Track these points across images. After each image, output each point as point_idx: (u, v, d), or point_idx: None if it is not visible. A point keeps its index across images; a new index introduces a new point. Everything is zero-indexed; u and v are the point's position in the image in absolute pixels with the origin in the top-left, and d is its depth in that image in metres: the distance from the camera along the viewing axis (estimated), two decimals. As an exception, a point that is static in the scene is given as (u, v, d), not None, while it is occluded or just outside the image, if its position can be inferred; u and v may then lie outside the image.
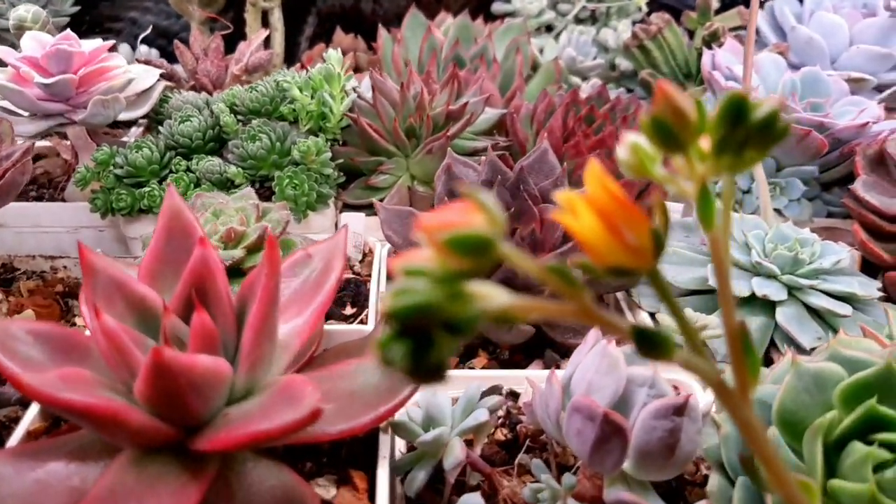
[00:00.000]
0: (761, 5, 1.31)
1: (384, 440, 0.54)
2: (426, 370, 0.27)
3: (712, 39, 1.03)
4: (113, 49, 1.38)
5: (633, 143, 0.32)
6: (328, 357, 0.60)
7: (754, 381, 0.34)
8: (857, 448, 0.48)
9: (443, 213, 0.28)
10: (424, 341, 0.27)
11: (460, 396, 0.56)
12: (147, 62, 1.07)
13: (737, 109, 0.29)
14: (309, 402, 0.42)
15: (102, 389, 0.47)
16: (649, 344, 0.30)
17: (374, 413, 0.49)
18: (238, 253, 0.69)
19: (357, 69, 1.30)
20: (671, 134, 0.30)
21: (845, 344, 0.55)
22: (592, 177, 0.30)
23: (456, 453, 0.51)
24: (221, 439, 0.43)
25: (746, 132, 0.29)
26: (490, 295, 0.29)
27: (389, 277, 0.80)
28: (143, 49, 1.35)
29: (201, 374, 0.45)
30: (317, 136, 0.89)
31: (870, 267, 0.84)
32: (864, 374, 0.50)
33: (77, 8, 1.29)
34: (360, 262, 0.87)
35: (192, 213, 0.54)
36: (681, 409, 0.47)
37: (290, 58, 1.45)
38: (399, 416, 0.56)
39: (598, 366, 0.50)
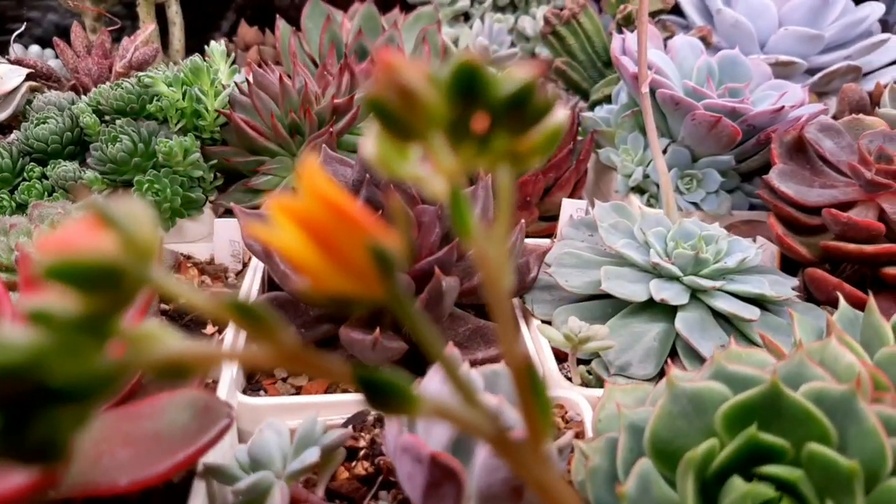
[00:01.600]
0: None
1: (198, 487, 0.46)
2: (27, 452, 0.19)
3: (626, 23, 0.96)
4: (5, 51, 1.29)
5: (376, 132, 0.25)
6: (153, 387, 0.52)
7: (547, 430, 0.27)
8: (736, 485, 0.42)
9: (68, 231, 0.21)
10: (20, 414, 0.19)
11: (296, 432, 0.48)
12: (17, 62, 0.98)
13: (467, 83, 0.21)
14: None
15: None
16: (380, 395, 0.23)
17: (170, 460, 0.41)
18: (71, 270, 0.61)
19: (263, 63, 1.22)
20: (398, 120, 0.23)
21: (734, 357, 0.49)
22: (306, 179, 0.23)
23: (275, 501, 0.43)
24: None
25: (492, 115, 0.22)
26: (151, 340, 0.22)
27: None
28: (34, 49, 1.26)
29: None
30: (189, 134, 0.81)
31: (790, 263, 0.77)
32: (747, 395, 0.43)
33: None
34: (238, 273, 0.80)
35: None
36: (525, 446, 0.40)
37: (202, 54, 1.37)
38: (224, 457, 0.48)
39: (440, 394, 0.43)
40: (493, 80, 0.22)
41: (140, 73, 0.80)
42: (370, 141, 0.25)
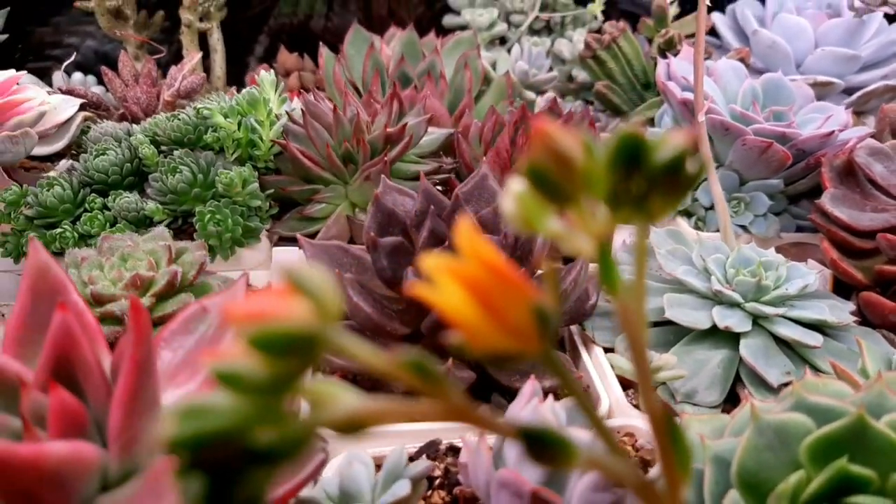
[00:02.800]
0: (722, 9, 1.26)
1: (291, 521, 0.47)
2: (233, 512, 0.20)
3: (668, 47, 0.97)
4: (47, 77, 1.32)
5: (517, 192, 0.26)
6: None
7: (686, 478, 0.27)
8: (828, 515, 0.42)
9: (257, 299, 0.22)
10: (227, 476, 0.20)
11: (384, 464, 0.49)
12: (69, 91, 1.00)
13: (630, 153, 0.23)
14: (171, 500, 0.35)
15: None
16: (544, 449, 0.24)
17: (272, 496, 0.43)
18: (145, 302, 0.63)
19: (305, 90, 1.24)
20: (554, 185, 0.24)
21: (811, 388, 0.49)
22: (464, 240, 0.24)
23: (370, 536, 0.44)
24: (76, 545, 0.37)
25: (647, 180, 0.23)
26: (332, 397, 0.23)
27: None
28: (77, 76, 1.28)
29: (55, 465, 0.38)
30: (245, 165, 0.82)
31: (842, 286, 0.78)
32: (833, 428, 0.44)
33: (5, 36, 1.21)
34: (296, 300, 0.81)
35: (61, 270, 0.47)
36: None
37: (239, 79, 1.39)
38: (313, 491, 0.49)
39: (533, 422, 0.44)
40: (652, 149, 0.23)
41: (198, 106, 0.82)
42: (508, 199, 0.26)
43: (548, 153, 0.24)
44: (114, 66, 1.09)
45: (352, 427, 0.22)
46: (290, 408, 0.21)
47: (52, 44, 1.52)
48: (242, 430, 0.20)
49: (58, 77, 1.31)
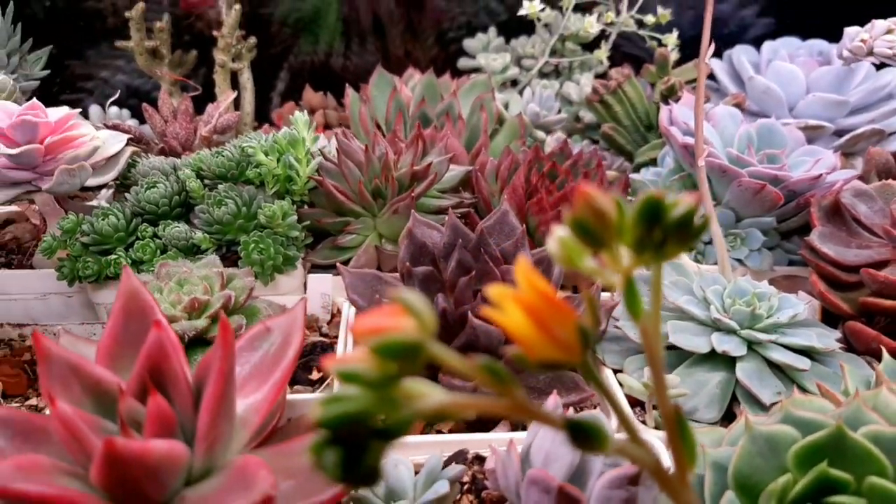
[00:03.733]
0: (720, 56, 1.34)
1: (345, 515, 0.54)
2: (359, 477, 0.28)
3: (670, 94, 1.05)
4: (83, 111, 1.39)
5: (561, 237, 0.33)
6: (291, 429, 0.60)
7: (692, 464, 0.35)
8: (811, 512, 0.49)
9: (374, 316, 0.29)
10: (357, 449, 0.27)
11: (423, 466, 0.56)
12: (115, 126, 1.08)
13: (652, 211, 0.30)
14: (261, 489, 0.42)
15: (60, 476, 0.47)
16: (583, 436, 0.31)
17: (332, 490, 0.49)
18: (202, 323, 0.70)
19: (327, 126, 1.32)
20: (593, 234, 0.31)
21: (798, 404, 0.56)
22: (521, 274, 0.31)
23: (416, 527, 0.51)
24: (175, 526, 0.43)
25: (664, 231, 0.31)
26: (424, 394, 0.30)
27: (354, 342, 0.81)
28: (113, 110, 1.36)
29: (156, 459, 0.45)
30: (283, 198, 0.90)
31: (830, 316, 0.85)
32: (816, 437, 0.51)
33: (47, 72, 1.30)
34: (329, 322, 0.88)
35: (148, 293, 0.55)
36: (636, 479, 0.48)
37: (263, 114, 1.47)
38: (362, 490, 0.56)
39: (554, 435, 0.51)
40: (670, 208, 0.30)
41: (242, 144, 0.89)
42: (553, 242, 0.33)
43: (588, 209, 0.31)
44: (144, 99, 1.17)
45: (439, 416, 0.30)
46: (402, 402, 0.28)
47: (84, 77, 1.60)
48: (369, 413, 0.27)
49: (94, 111, 1.39)
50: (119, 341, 0.54)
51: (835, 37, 1.30)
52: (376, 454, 0.28)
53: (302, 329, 0.57)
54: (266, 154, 0.89)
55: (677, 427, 0.34)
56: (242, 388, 0.55)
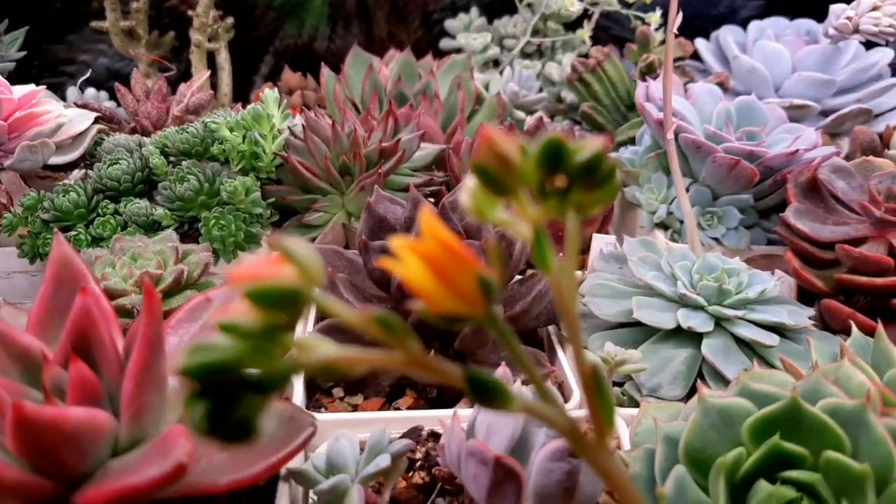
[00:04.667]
0: (706, 35, 1.32)
1: (283, 490, 0.52)
2: (229, 430, 0.26)
3: (648, 71, 1.03)
4: (60, 92, 1.38)
5: (470, 187, 0.31)
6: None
7: (610, 428, 0.33)
8: (763, 487, 0.47)
9: (256, 264, 0.27)
10: (225, 400, 0.25)
11: (367, 441, 0.54)
12: (84, 105, 1.06)
13: (553, 154, 0.28)
14: (176, 456, 0.40)
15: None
16: (484, 392, 0.29)
17: (265, 462, 0.48)
18: (153, 298, 0.68)
19: (306, 106, 1.30)
20: (496, 180, 0.29)
21: (757, 377, 0.54)
22: (425, 224, 0.30)
23: (353, 501, 0.49)
24: (91, 494, 0.42)
25: (569, 177, 0.29)
26: (311, 347, 0.28)
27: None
28: (90, 92, 1.35)
29: (74, 426, 0.43)
30: (248, 175, 0.88)
31: (807, 294, 0.83)
32: (771, 409, 0.49)
33: (23, 53, 1.28)
34: (293, 302, 0.86)
35: (81, 261, 0.53)
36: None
37: (244, 96, 1.45)
38: (303, 463, 0.54)
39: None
40: (573, 151, 0.28)
41: (206, 120, 0.88)
42: (465, 193, 0.32)
43: (491, 154, 0.29)
44: (125, 82, 1.15)
45: (327, 370, 0.28)
46: (281, 353, 0.27)
47: (65, 60, 1.58)
48: (238, 363, 0.25)
49: (72, 92, 1.37)
50: (49, 309, 0.52)
51: (823, 18, 1.28)
52: (249, 408, 0.26)
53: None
54: (231, 130, 0.88)
55: (595, 388, 0.32)
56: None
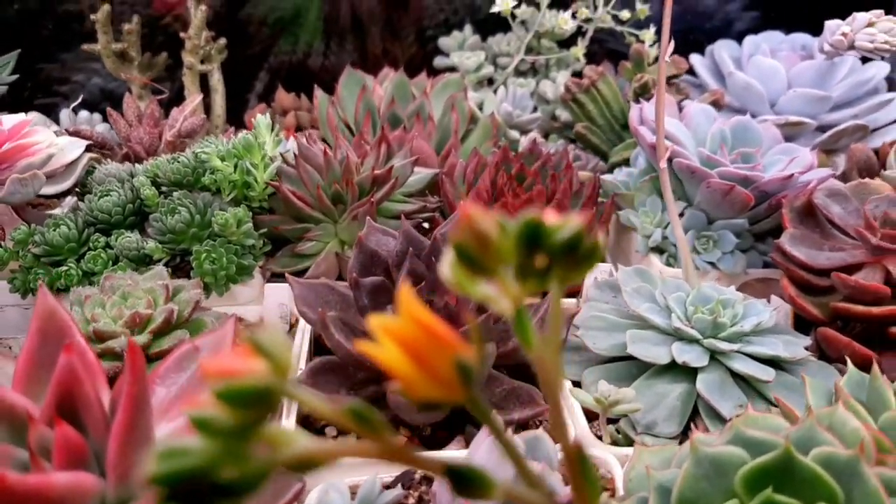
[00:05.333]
0: (701, 50, 1.31)
1: (273, 544, 0.51)
2: (202, 534, 0.25)
3: (642, 92, 1.03)
4: (55, 115, 1.37)
5: (452, 261, 0.31)
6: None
7: (595, 506, 0.32)
8: (756, 539, 0.47)
9: (227, 358, 0.27)
10: (197, 504, 0.25)
11: (358, 492, 0.54)
12: (76, 132, 1.05)
13: (531, 235, 0.28)
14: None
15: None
16: (464, 482, 0.29)
17: (252, 521, 0.47)
18: (143, 339, 0.68)
19: (299, 128, 1.30)
20: (474, 260, 0.29)
21: (750, 422, 0.54)
22: (403, 304, 0.29)
23: (344, 557, 0.48)
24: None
25: (549, 256, 0.28)
26: (286, 441, 0.27)
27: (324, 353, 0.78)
28: (83, 114, 1.34)
29: (59, 493, 0.42)
30: (241, 205, 0.87)
31: (803, 321, 0.82)
32: (764, 460, 0.49)
33: (15, 77, 1.27)
34: (287, 332, 0.86)
35: (66, 313, 0.52)
36: None
37: (238, 117, 1.45)
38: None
39: (488, 460, 0.49)
40: (552, 231, 0.28)
41: (197, 150, 0.87)
42: (446, 266, 0.31)
43: (469, 232, 0.29)
44: (118, 103, 1.14)
45: (304, 465, 0.27)
46: (255, 449, 0.26)
47: (58, 80, 1.58)
48: (211, 468, 0.25)
49: (65, 115, 1.37)
50: (35, 364, 0.52)
51: (820, 30, 1.27)
52: (222, 510, 0.25)
53: (231, 347, 0.55)
54: (223, 159, 0.87)
55: (579, 467, 0.31)
56: (167, 412, 0.53)
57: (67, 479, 0.43)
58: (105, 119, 1.39)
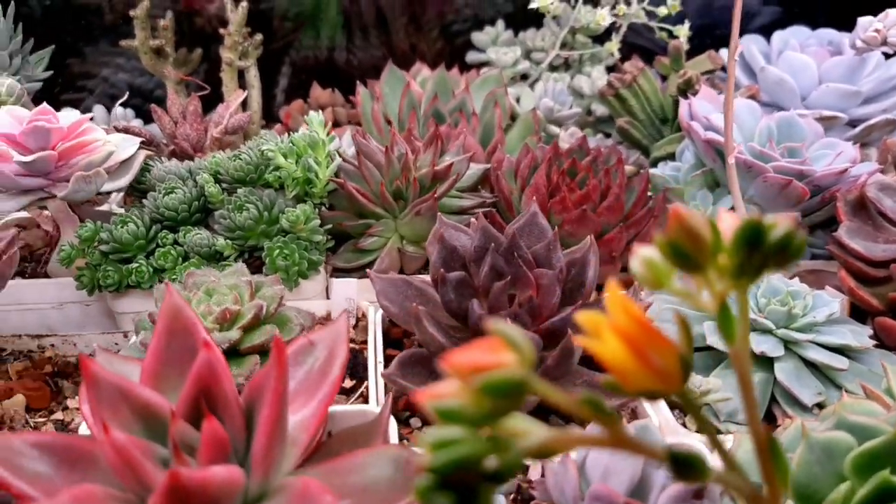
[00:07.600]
0: (726, 44, 1.33)
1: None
2: (471, 520, 0.27)
3: (687, 87, 1.04)
4: (86, 110, 1.37)
5: (646, 258, 0.32)
6: (334, 444, 0.59)
7: (784, 489, 0.34)
8: (874, 521, 0.49)
9: (471, 352, 0.28)
10: (468, 493, 0.27)
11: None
12: (126, 129, 1.06)
13: (753, 236, 0.29)
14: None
15: None
16: (685, 468, 0.30)
17: (387, 510, 0.49)
18: (234, 334, 0.68)
19: (336, 123, 1.31)
20: (687, 256, 0.30)
21: (850, 409, 0.56)
22: (614, 301, 0.31)
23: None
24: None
25: (764, 255, 0.30)
26: (527, 432, 0.29)
27: (387, 345, 0.80)
28: (119, 111, 1.34)
29: (217, 487, 0.44)
30: (303, 201, 0.88)
31: (858, 311, 0.85)
32: (874, 444, 0.51)
33: (50, 73, 1.27)
34: (354, 327, 0.87)
35: (191, 311, 0.53)
36: (700, 493, 0.47)
37: (268, 112, 1.45)
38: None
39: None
40: (768, 231, 0.30)
41: (263, 148, 0.88)
42: (638, 263, 0.33)
43: (682, 231, 0.30)
44: (146, 98, 1.15)
45: (544, 453, 0.29)
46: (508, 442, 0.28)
47: (85, 75, 1.57)
48: (480, 457, 0.26)
49: (98, 111, 1.37)
50: (163, 361, 0.53)
51: (841, 25, 1.30)
52: (487, 498, 0.27)
53: (346, 342, 0.56)
54: (285, 157, 0.88)
55: (770, 453, 0.33)
56: (290, 405, 0.54)
57: (223, 472, 0.44)
58: (137, 115, 1.39)
